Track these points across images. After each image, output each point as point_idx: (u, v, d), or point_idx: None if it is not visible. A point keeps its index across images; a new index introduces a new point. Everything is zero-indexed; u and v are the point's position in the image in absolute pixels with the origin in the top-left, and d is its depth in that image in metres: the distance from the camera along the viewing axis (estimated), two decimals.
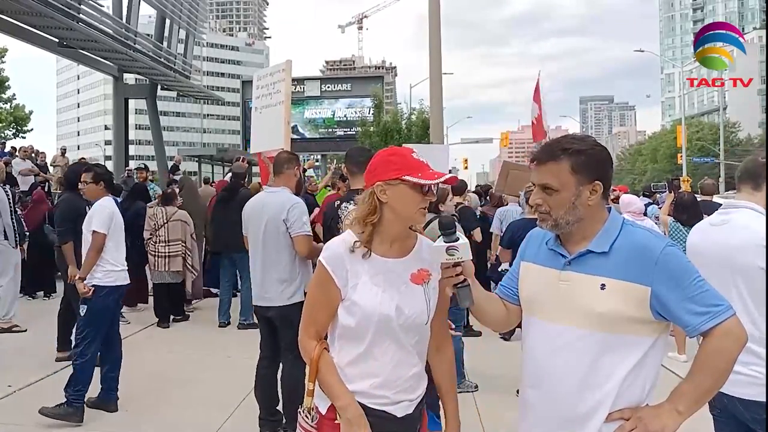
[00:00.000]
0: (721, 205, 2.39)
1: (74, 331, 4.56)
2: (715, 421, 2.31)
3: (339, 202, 3.59)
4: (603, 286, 1.61)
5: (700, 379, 1.58)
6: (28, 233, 8.07)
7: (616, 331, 1.60)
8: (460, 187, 6.61)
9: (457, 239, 1.71)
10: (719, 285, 2.17)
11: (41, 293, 8.83)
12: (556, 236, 1.74)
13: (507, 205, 7.92)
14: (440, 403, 1.99)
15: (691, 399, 1.58)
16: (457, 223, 1.80)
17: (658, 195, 11.34)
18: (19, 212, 8.16)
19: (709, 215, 6.24)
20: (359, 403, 1.79)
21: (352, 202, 3.43)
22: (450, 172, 10.72)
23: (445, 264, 1.72)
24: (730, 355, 1.55)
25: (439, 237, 1.74)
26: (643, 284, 1.57)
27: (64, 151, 15.89)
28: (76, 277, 5.04)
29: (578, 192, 1.65)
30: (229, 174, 8.66)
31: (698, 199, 6.45)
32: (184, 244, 7.36)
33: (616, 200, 6.93)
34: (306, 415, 1.92)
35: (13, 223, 6.68)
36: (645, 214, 7.52)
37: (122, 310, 7.70)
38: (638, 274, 1.58)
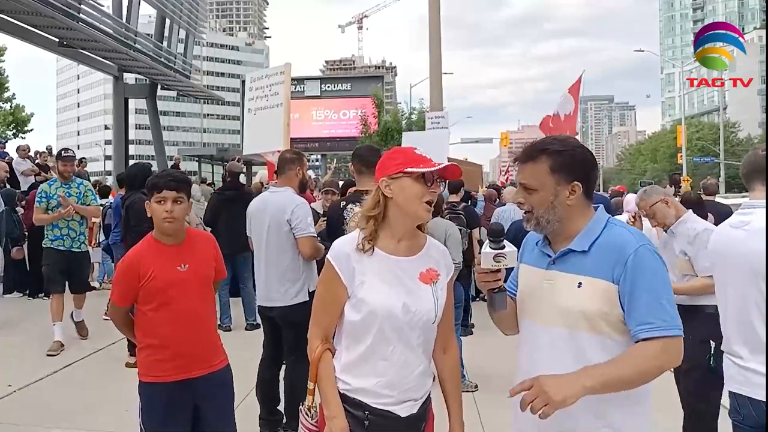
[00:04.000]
0: (725, 205, 2.37)
1: None
2: (735, 429, 2.25)
3: (344, 203, 3.56)
4: (580, 284, 1.63)
5: (622, 368, 1.55)
6: (27, 233, 8.07)
7: (593, 331, 1.61)
8: (456, 186, 6.57)
9: (504, 246, 1.72)
10: (740, 288, 2.17)
11: (41, 293, 8.81)
12: (545, 237, 1.77)
13: (505, 205, 7.93)
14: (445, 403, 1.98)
15: (603, 381, 1.54)
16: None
17: None
18: (20, 212, 8.17)
19: (713, 215, 6.25)
20: (363, 402, 1.81)
21: (357, 203, 3.41)
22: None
23: (487, 269, 1.73)
24: (658, 366, 1.55)
25: (486, 242, 1.75)
26: (612, 281, 1.59)
27: (50, 151, 15.81)
28: None
29: (557, 192, 1.68)
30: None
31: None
32: None
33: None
34: (307, 413, 1.94)
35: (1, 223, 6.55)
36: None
37: None
38: (610, 272, 1.60)
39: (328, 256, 1.87)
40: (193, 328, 2.65)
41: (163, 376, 2.64)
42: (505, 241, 1.73)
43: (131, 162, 23.20)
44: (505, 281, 1.97)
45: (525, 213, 1.75)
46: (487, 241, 1.75)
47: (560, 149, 1.69)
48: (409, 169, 1.79)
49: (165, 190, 2.60)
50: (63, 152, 6.17)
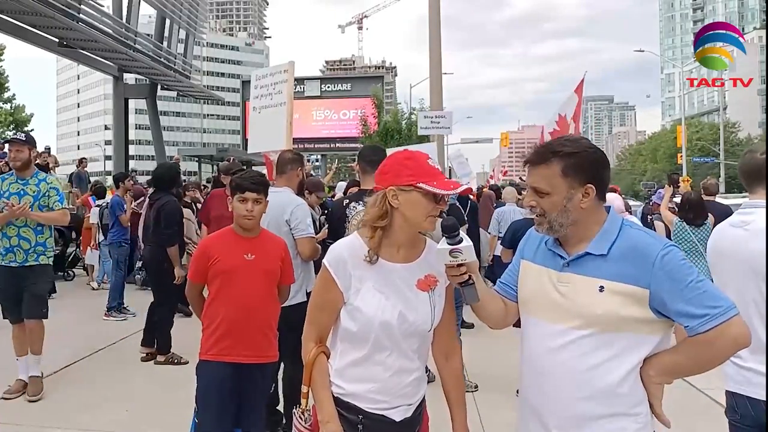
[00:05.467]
0: (725, 205, 2.35)
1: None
2: (732, 427, 2.22)
3: (347, 201, 3.58)
4: (601, 288, 1.60)
5: (683, 359, 1.59)
6: None
7: (616, 331, 1.59)
8: None
9: (461, 241, 1.69)
10: (740, 287, 2.14)
11: None
12: (555, 237, 1.74)
13: (505, 205, 7.91)
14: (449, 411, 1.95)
15: (666, 370, 1.61)
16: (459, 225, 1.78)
17: (651, 194, 11.33)
18: None
19: (714, 215, 6.22)
20: (357, 406, 1.80)
21: (361, 202, 3.41)
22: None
23: (450, 265, 1.71)
24: (720, 352, 1.55)
25: (442, 239, 1.72)
26: (641, 286, 1.57)
27: (49, 151, 15.78)
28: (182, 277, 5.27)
29: (570, 195, 1.65)
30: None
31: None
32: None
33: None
34: (300, 417, 1.92)
35: None
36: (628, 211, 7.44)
37: (126, 305, 7.68)
38: (636, 276, 1.57)
39: (324, 260, 1.84)
40: (248, 315, 2.89)
41: (216, 356, 2.87)
42: (461, 234, 1.70)
43: (131, 162, 23.18)
44: (500, 276, 1.96)
45: (537, 216, 1.71)
46: (443, 237, 1.71)
47: (573, 151, 1.65)
48: (422, 185, 1.73)
49: (247, 191, 2.91)
50: (12, 135, 4.65)
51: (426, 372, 1.95)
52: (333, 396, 1.81)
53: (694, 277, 1.55)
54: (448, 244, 1.70)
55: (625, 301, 1.58)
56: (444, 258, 1.70)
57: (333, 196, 10.89)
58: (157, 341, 5.70)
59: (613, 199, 6.53)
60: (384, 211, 1.78)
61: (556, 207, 1.66)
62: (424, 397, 1.90)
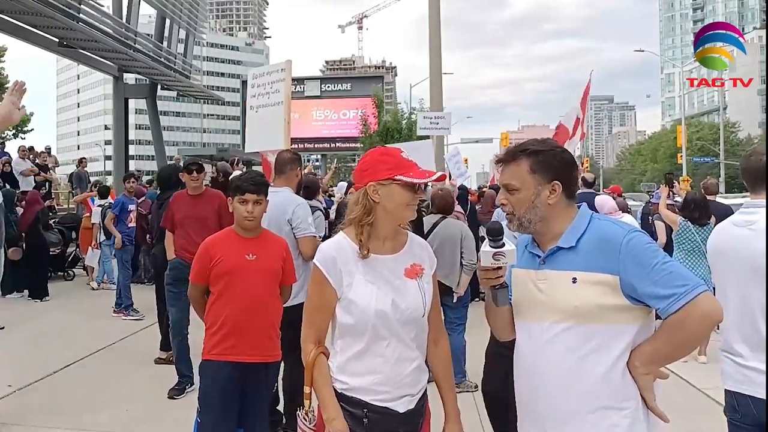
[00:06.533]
0: (725, 205, 2.32)
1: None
2: (731, 426, 2.21)
3: None
4: (574, 280, 1.66)
5: (661, 344, 1.62)
6: (24, 234, 8.06)
7: (596, 322, 1.63)
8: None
9: (504, 245, 1.73)
10: (741, 286, 2.15)
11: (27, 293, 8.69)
12: (533, 239, 1.80)
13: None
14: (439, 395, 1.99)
15: (649, 359, 1.63)
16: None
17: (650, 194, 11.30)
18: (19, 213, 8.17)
19: (714, 215, 6.21)
20: (361, 399, 1.82)
21: None
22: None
23: (487, 267, 1.74)
24: (693, 329, 1.58)
25: (485, 242, 1.76)
26: (611, 273, 1.61)
27: (49, 151, 15.81)
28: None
29: (537, 192, 1.72)
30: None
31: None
32: None
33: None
34: (304, 418, 1.95)
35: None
36: (626, 211, 7.41)
37: (135, 306, 7.64)
38: (605, 264, 1.62)
39: (314, 260, 1.89)
40: (251, 314, 2.90)
41: (219, 355, 2.88)
42: (505, 239, 1.74)
43: (131, 162, 23.21)
44: None
45: (507, 215, 1.77)
46: (486, 239, 1.76)
47: (539, 149, 1.75)
48: (399, 177, 1.81)
49: (248, 193, 2.91)
50: None
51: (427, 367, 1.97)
52: (337, 392, 1.84)
53: (659, 259, 1.60)
54: (492, 246, 1.73)
55: (599, 290, 1.62)
56: (486, 260, 1.73)
57: (332, 196, 10.91)
58: (163, 338, 5.70)
59: (604, 201, 6.53)
60: (369, 209, 1.85)
61: (524, 203, 1.73)
62: (426, 390, 1.92)
